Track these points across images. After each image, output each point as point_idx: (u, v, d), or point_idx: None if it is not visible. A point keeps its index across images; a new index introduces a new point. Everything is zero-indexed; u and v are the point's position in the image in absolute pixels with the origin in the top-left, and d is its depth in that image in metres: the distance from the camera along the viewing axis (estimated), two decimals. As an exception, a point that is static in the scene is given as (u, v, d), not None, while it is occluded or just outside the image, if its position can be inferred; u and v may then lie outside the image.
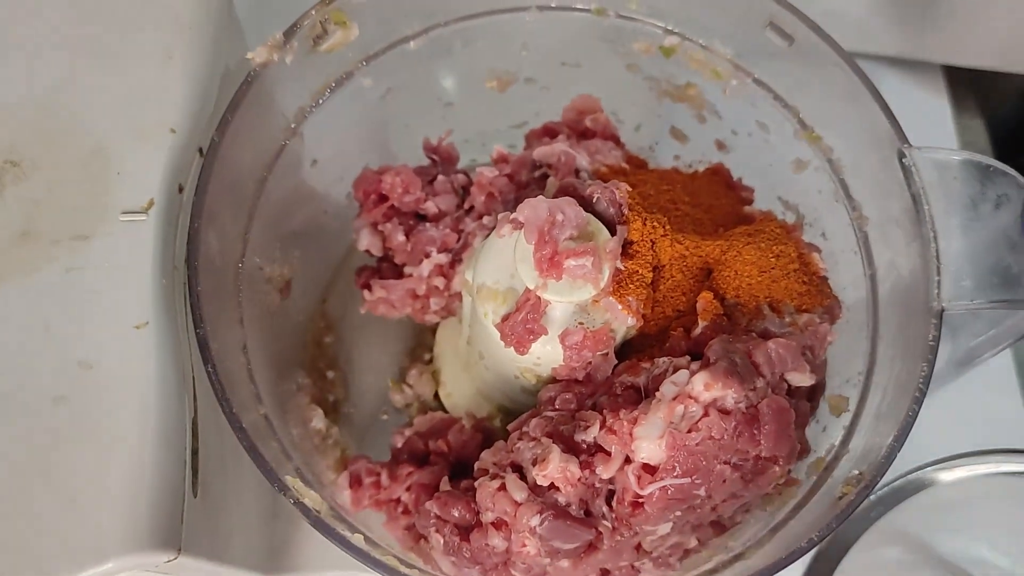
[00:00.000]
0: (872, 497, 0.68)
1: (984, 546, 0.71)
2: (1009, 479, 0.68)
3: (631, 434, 0.45)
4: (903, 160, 0.51)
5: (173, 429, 0.45)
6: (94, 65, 0.50)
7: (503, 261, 0.52)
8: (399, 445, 0.60)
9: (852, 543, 0.69)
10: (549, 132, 0.63)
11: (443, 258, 0.60)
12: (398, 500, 0.56)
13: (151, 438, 0.44)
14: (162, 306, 0.46)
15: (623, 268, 0.50)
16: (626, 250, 0.51)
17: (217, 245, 0.49)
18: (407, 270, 0.61)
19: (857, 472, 0.48)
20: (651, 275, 0.51)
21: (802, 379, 0.49)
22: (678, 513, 0.46)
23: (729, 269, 0.51)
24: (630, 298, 0.50)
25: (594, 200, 0.53)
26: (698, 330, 0.50)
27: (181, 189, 0.49)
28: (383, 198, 0.60)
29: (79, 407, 0.44)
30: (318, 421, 0.61)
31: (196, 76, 0.51)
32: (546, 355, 0.52)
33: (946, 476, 0.69)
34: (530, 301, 0.50)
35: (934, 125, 0.94)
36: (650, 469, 0.45)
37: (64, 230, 0.47)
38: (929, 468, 0.69)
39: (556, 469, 0.46)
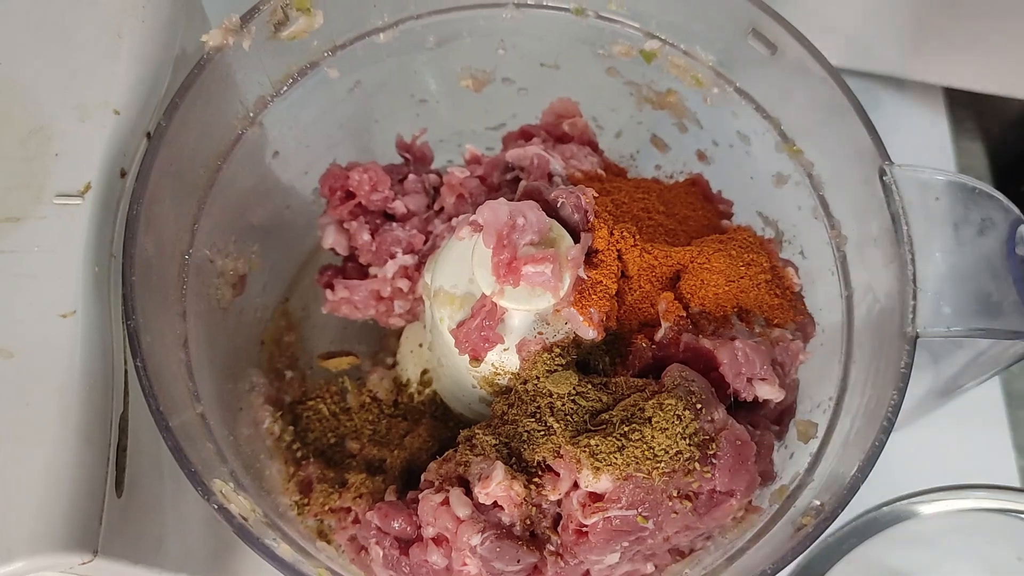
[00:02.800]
0: (847, 526, 0.66)
1: (962, 584, 0.69)
2: (990, 516, 0.66)
3: (578, 460, 0.43)
4: (883, 177, 0.49)
5: (97, 425, 0.43)
6: (38, 40, 0.48)
7: (461, 265, 0.50)
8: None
9: (823, 573, 0.67)
10: (525, 135, 0.61)
11: (409, 259, 0.59)
12: (349, 509, 0.54)
13: (71, 433, 0.42)
14: (92, 295, 0.44)
15: (586, 277, 0.49)
16: (590, 259, 0.49)
17: (159, 234, 0.47)
18: (372, 271, 0.60)
19: (819, 503, 0.45)
20: (616, 286, 0.49)
21: (771, 391, 0.47)
22: (625, 544, 0.44)
23: (695, 278, 0.49)
24: (592, 309, 0.48)
25: (558, 205, 0.51)
26: (661, 333, 0.48)
27: (124, 174, 0.47)
28: (350, 195, 0.58)
29: (-5, 397, 0.42)
30: (271, 422, 0.59)
31: (147, 57, 0.49)
32: (502, 365, 0.50)
33: (925, 509, 0.66)
34: (486, 307, 0.48)
35: (932, 147, 0.92)
36: (596, 498, 0.43)
37: (-6, 211, 0.45)
38: (908, 500, 0.66)
39: (499, 487, 0.44)
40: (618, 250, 0.50)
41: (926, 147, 0.92)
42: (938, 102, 0.94)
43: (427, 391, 0.61)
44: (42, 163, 0.46)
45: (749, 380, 0.47)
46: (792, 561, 0.43)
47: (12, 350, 0.42)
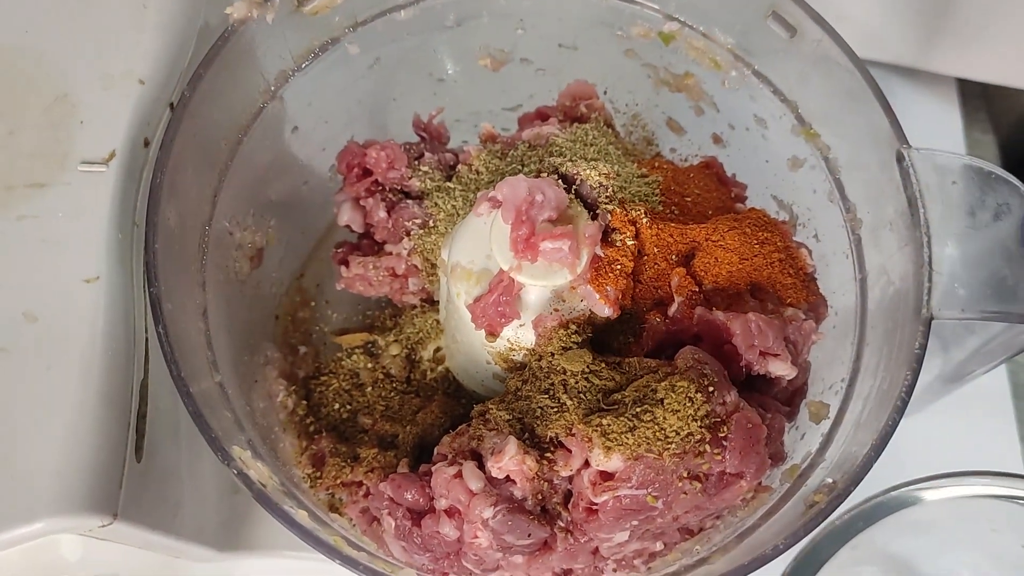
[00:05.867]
0: (853, 511, 0.66)
1: (966, 571, 0.69)
2: (996, 503, 0.66)
3: (590, 439, 0.43)
4: (901, 161, 0.49)
5: (118, 390, 0.43)
6: (64, 8, 0.49)
7: (479, 241, 0.51)
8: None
9: (828, 558, 0.67)
10: (542, 116, 0.61)
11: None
12: (360, 483, 0.54)
13: (93, 397, 0.42)
14: (116, 262, 0.45)
15: (603, 255, 0.49)
16: (607, 237, 0.50)
17: (181, 204, 0.47)
18: (387, 248, 0.60)
19: (831, 481, 0.46)
20: (632, 264, 0.50)
21: (783, 368, 0.47)
22: (635, 523, 0.44)
23: (709, 255, 0.50)
24: (608, 287, 0.48)
25: (577, 183, 0.51)
26: (674, 307, 0.49)
27: (147, 143, 0.48)
28: (367, 172, 0.59)
29: (19, 360, 0.42)
30: (284, 396, 0.59)
31: (171, 28, 0.50)
32: (518, 341, 0.50)
33: (931, 495, 0.66)
34: (503, 283, 0.49)
35: (944, 138, 0.92)
36: (606, 476, 0.43)
37: (20, 176, 0.45)
38: (914, 486, 0.66)
39: (512, 461, 0.44)
40: (635, 228, 0.50)
41: (938, 138, 0.92)
42: (951, 93, 0.94)
43: (440, 368, 0.62)
44: (67, 130, 0.46)
45: (762, 354, 0.47)
46: (804, 537, 0.43)
47: (36, 314, 0.43)
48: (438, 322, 0.62)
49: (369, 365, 0.62)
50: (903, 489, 0.66)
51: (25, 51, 0.47)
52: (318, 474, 0.55)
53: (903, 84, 0.92)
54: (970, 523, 0.67)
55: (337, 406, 0.60)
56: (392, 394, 0.61)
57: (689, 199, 0.55)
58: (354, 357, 0.62)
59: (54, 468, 0.41)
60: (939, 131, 0.92)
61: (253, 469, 0.44)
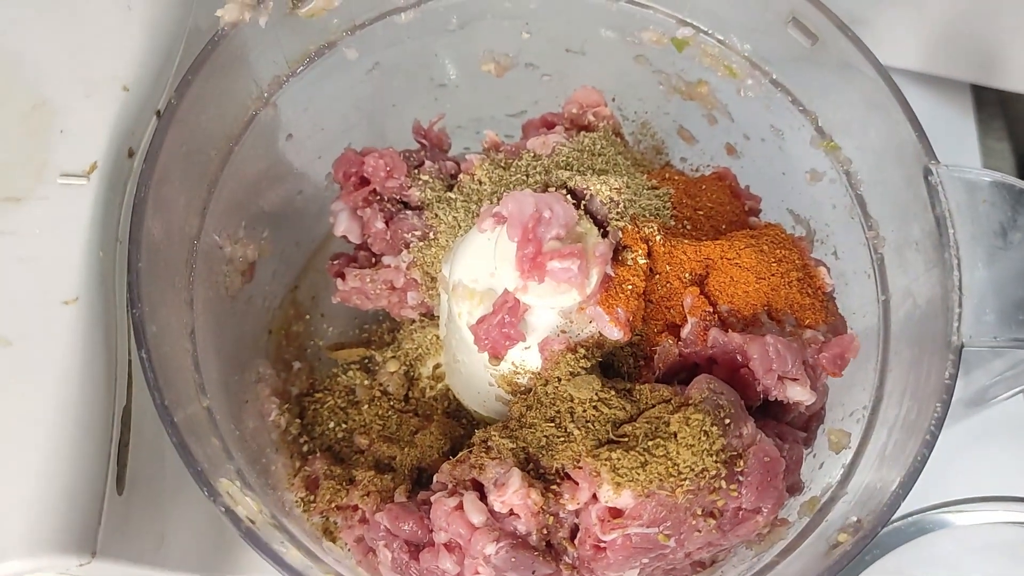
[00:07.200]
0: (868, 538, 0.64)
1: (985, 600, 0.67)
2: (1017, 529, 0.64)
3: (599, 474, 0.41)
4: (929, 177, 0.47)
5: (97, 419, 0.41)
6: (43, 9, 0.46)
7: (483, 258, 0.48)
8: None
9: (843, 586, 0.65)
10: (547, 124, 0.59)
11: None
12: (356, 507, 0.52)
13: (70, 427, 0.40)
14: (96, 281, 0.43)
15: (613, 275, 0.47)
16: (618, 255, 0.48)
17: (167, 218, 0.45)
18: (385, 260, 0.58)
19: (855, 519, 0.44)
20: (644, 284, 0.47)
21: (802, 393, 0.45)
22: (645, 560, 0.43)
23: (724, 274, 0.48)
24: (619, 309, 0.46)
25: (586, 198, 0.49)
26: (687, 329, 0.47)
27: (132, 154, 0.45)
28: (365, 181, 0.57)
29: (-9, 387, 0.40)
30: (277, 415, 0.57)
31: (158, 31, 0.48)
32: (523, 364, 0.48)
33: (951, 522, 0.64)
34: (508, 303, 0.46)
35: (958, 145, 0.90)
36: (615, 513, 0.42)
37: (-6, 190, 0.43)
38: (933, 511, 0.64)
39: (516, 495, 0.42)
40: (647, 246, 0.48)
41: (952, 146, 0.89)
42: (966, 100, 0.92)
43: (439, 386, 0.60)
44: (45, 140, 0.44)
45: (780, 378, 0.45)
46: (828, 582, 0.41)
47: (10, 338, 0.41)
48: (438, 337, 0.60)
49: (366, 382, 0.60)
50: (921, 515, 0.64)
51: (1, 54, 0.45)
52: (311, 497, 0.53)
53: (917, 90, 0.90)
54: (991, 551, 0.65)
55: (332, 424, 0.58)
56: (389, 412, 0.59)
57: (701, 212, 0.53)
58: (350, 373, 0.60)
59: (28, 504, 0.39)
60: (954, 138, 0.90)
61: (241, 504, 0.42)
